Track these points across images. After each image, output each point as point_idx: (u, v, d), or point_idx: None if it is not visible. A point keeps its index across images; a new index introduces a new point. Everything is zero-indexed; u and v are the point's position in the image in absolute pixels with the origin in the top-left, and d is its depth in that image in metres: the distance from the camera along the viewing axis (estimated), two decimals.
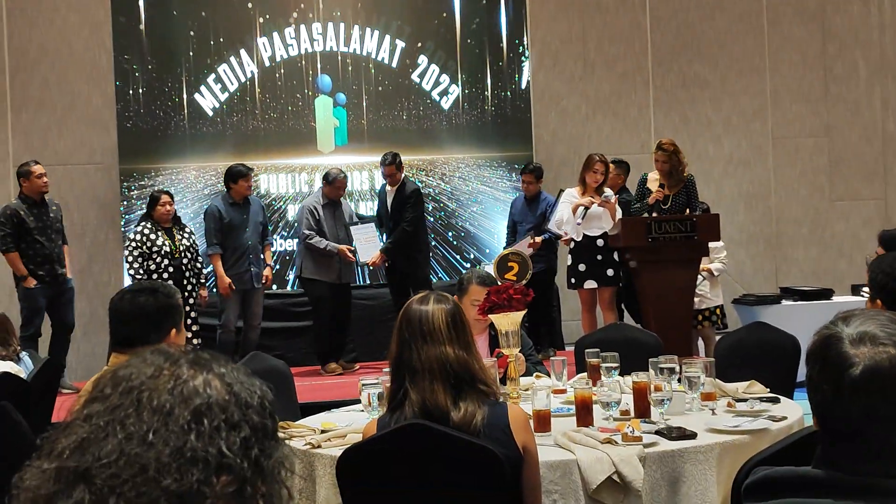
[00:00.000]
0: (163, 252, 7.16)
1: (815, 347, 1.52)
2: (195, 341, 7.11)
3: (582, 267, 7.18)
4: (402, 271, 7.67)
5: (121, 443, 1.01)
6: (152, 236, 7.18)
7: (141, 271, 7.10)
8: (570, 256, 7.28)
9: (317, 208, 7.64)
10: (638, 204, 7.15)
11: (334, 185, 7.67)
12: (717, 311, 7.37)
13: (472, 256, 8.99)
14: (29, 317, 7.14)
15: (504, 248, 7.95)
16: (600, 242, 7.13)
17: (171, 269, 7.17)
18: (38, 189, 7.15)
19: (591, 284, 7.16)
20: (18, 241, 7.06)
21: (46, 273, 7.12)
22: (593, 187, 7.19)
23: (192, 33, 8.73)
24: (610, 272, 7.14)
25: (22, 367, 5.44)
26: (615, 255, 7.14)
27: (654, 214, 6.97)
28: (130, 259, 7.16)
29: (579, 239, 7.17)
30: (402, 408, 2.68)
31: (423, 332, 2.67)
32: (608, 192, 7.20)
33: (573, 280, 7.25)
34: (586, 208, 7.06)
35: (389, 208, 7.73)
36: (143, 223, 7.26)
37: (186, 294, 7.19)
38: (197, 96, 8.69)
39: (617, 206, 7.11)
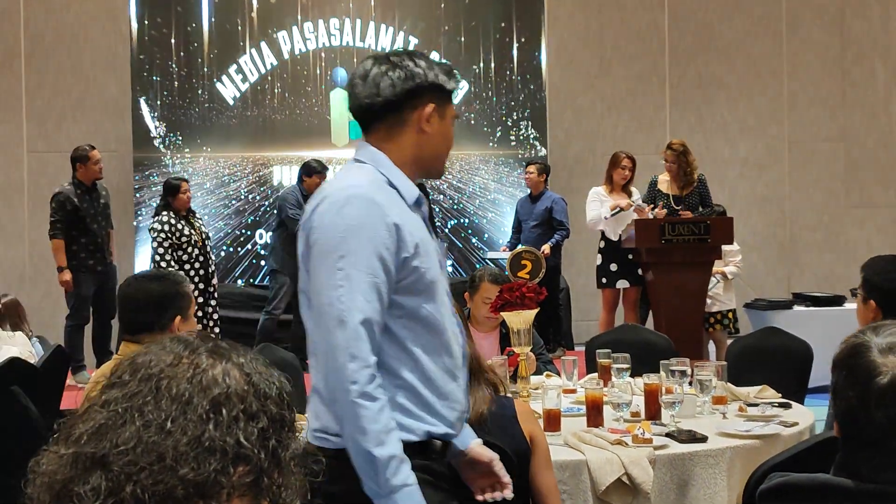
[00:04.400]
0: (192, 241, 7.03)
1: (842, 355, 1.52)
2: (216, 330, 7.03)
3: (614, 267, 7.12)
4: None
5: (139, 430, 1.01)
6: (178, 225, 7.00)
7: (173, 263, 6.91)
8: (600, 256, 7.22)
9: None
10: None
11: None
12: (730, 314, 7.34)
13: (485, 254, 8.97)
14: (78, 306, 7.01)
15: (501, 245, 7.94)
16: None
17: (201, 259, 7.07)
18: (94, 175, 7.03)
19: (623, 284, 7.11)
20: (70, 227, 6.89)
21: (97, 261, 7.00)
22: (621, 184, 7.16)
23: (211, 21, 8.75)
24: (640, 272, 7.09)
25: (34, 352, 5.46)
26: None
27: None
28: (161, 251, 6.92)
29: (616, 238, 7.12)
30: None
31: None
32: (636, 194, 7.16)
33: (604, 280, 7.18)
34: (620, 209, 7.03)
35: None
36: (164, 213, 7.03)
37: (211, 283, 7.17)
38: (216, 86, 8.71)
39: (650, 213, 7.00)
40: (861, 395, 1.46)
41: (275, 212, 7.99)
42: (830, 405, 2.92)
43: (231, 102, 8.76)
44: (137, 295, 2.99)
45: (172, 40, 8.68)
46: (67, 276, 6.87)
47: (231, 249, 8.70)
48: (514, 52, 9.21)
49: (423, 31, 9.07)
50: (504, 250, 7.80)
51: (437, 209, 8.97)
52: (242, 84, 8.78)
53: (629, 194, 7.21)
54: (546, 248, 7.63)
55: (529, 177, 7.91)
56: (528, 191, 8.10)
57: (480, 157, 9.16)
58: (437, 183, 9.04)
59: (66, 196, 6.91)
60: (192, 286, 6.93)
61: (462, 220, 9.10)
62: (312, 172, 7.50)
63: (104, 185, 7.26)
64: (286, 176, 8.80)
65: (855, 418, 1.47)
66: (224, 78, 8.74)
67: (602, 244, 7.18)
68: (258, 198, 8.78)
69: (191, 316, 3.02)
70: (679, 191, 7.03)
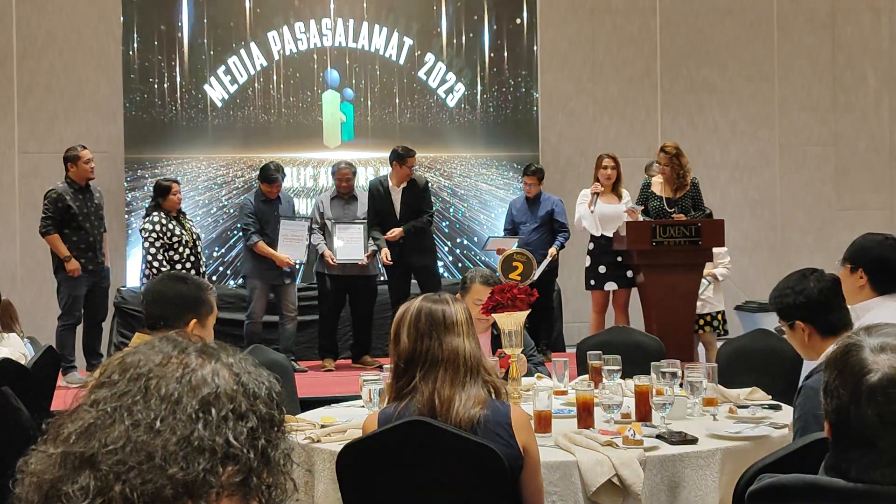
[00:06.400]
0: (183, 241, 7.04)
1: (835, 355, 1.53)
2: None
3: (602, 269, 7.13)
4: (415, 266, 7.48)
5: (128, 429, 1.01)
6: (169, 226, 7.02)
7: (165, 263, 6.93)
8: (588, 258, 7.24)
9: (322, 202, 7.67)
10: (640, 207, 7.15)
11: (335, 176, 7.67)
12: (719, 316, 7.36)
13: (477, 256, 8.97)
14: (70, 305, 6.97)
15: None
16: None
17: (192, 259, 7.09)
18: (86, 175, 7.01)
19: (611, 286, 7.12)
20: (62, 226, 6.87)
21: (88, 261, 6.96)
22: (608, 185, 7.18)
23: (203, 23, 8.74)
24: (629, 273, 7.08)
25: (27, 353, 5.43)
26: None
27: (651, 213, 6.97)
28: (153, 251, 6.93)
29: (598, 234, 7.12)
30: (408, 399, 2.69)
31: (447, 325, 2.74)
32: (627, 196, 7.17)
33: (592, 282, 7.19)
34: (596, 195, 7.06)
35: (399, 204, 7.43)
36: (155, 213, 7.05)
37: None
38: (206, 88, 8.69)
39: (640, 215, 7.03)
40: (852, 394, 1.47)
41: None
42: (796, 410, 2.92)
43: (220, 105, 8.73)
44: (159, 288, 3.12)
45: (164, 41, 8.67)
46: (75, 263, 6.86)
47: (222, 251, 8.69)
48: (507, 54, 9.22)
49: (418, 33, 9.08)
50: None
51: (438, 216, 8.97)
52: (231, 86, 8.76)
53: (619, 196, 7.22)
54: (553, 250, 7.62)
55: (530, 186, 7.85)
56: (522, 192, 8.08)
57: (473, 160, 9.16)
58: (433, 185, 9.04)
59: (59, 194, 6.91)
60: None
61: (456, 221, 9.09)
62: (265, 180, 7.50)
63: (98, 188, 7.26)
64: None
65: (846, 417, 1.48)
66: (213, 80, 8.72)
67: (591, 246, 7.20)
68: None
69: (209, 325, 3.04)
70: (672, 193, 7.05)
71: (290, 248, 7.42)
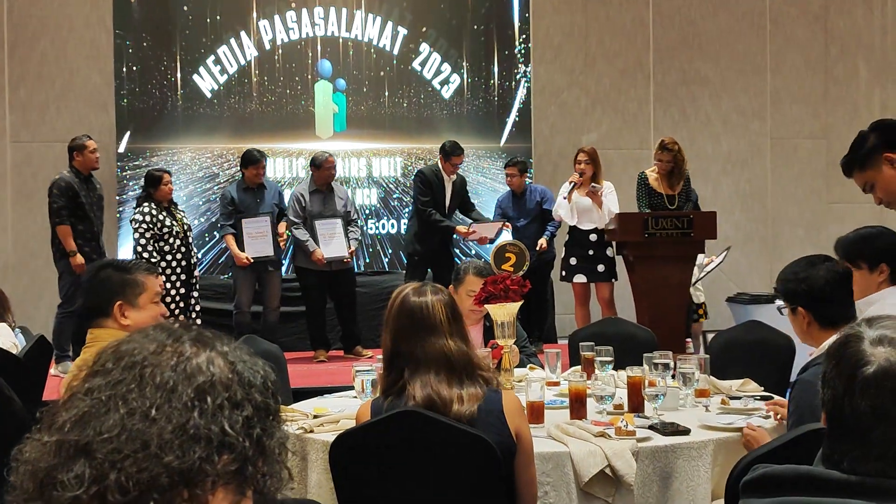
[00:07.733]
0: (173, 232, 7.04)
1: (834, 346, 1.54)
2: (198, 322, 7.04)
3: (573, 261, 7.18)
4: (450, 257, 7.72)
5: (123, 418, 1.01)
6: (160, 216, 7.01)
7: (155, 254, 6.93)
8: (563, 249, 7.28)
9: (303, 195, 7.57)
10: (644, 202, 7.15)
11: (322, 168, 7.55)
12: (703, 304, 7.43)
13: (470, 249, 8.97)
14: (73, 294, 6.90)
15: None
16: (593, 237, 7.11)
17: (182, 250, 7.08)
18: (91, 165, 7.01)
19: (580, 279, 7.15)
20: (70, 215, 6.84)
21: (93, 250, 6.95)
22: (585, 179, 7.18)
23: (191, 15, 8.70)
24: (601, 268, 7.10)
25: (17, 343, 5.42)
26: (608, 251, 7.12)
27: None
28: (143, 242, 6.93)
29: (573, 222, 7.15)
30: (401, 394, 2.68)
31: (424, 325, 2.68)
32: (608, 187, 7.17)
33: (564, 273, 7.26)
34: (572, 184, 7.07)
35: (450, 195, 7.77)
36: (146, 204, 7.05)
37: (193, 274, 7.17)
38: (196, 77, 8.65)
39: (604, 198, 7.04)
40: (846, 385, 1.47)
41: None
42: (791, 402, 2.93)
43: (209, 95, 8.69)
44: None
45: (153, 30, 8.62)
46: (80, 259, 6.82)
47: (213, 241, 8.66)
48: (500, 46, 9.20)
49: (411, 23, 9.05)
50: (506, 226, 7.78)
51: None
52: (221, 76, 8.72)
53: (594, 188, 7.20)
54: (543, 241, 7.61)
55: (512, 179, 7.86)
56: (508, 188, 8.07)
57: (469, 151, 9.12)
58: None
59: (67, 183, 6.88)
60: (175, 277, 6.96)
61: None
62: (248, 164, 7.50)
63: (97, 178, 7.25)
64: (269, 168, 8.75)
65: (840, 408, 1.48)
66: (202, 70, 8.68)
67: (567, 238, 7.24)
68: None
69: (143, 305, 2.93)
70: (669, 188, 7.05)
71: (254, 245, 7.39)
